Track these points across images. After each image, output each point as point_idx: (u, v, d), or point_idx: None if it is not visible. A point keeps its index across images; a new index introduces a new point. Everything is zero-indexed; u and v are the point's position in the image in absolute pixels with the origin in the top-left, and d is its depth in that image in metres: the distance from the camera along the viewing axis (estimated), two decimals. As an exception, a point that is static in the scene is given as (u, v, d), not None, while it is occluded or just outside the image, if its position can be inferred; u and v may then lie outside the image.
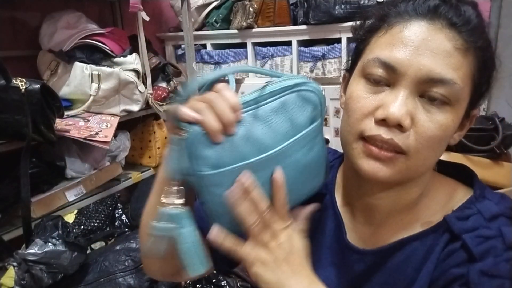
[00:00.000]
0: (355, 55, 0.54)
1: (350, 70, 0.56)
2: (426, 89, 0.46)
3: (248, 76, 2.07)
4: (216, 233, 0.48)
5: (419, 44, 0.45)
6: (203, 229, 0.50)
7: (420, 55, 0.45)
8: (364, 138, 0.48)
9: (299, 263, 0.49)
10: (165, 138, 1.83)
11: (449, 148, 1.13)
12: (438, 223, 0.51)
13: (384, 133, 0.46)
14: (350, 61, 0.57)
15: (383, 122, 0.46)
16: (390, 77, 0.47)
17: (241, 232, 0.50)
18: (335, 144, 0.59)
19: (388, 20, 0.49)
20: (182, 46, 2.10)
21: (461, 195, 0.54)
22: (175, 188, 0.46)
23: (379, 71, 0.47)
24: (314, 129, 0.50)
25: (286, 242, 0.48)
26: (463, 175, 0.57)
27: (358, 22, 0.56)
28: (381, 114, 0.46)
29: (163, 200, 0.46)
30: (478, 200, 0.51)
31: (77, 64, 1.43)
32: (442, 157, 0.54)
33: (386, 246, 0.54)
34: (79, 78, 1.43)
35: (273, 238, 0.48)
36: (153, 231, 0.46)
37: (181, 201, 0.47)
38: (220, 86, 0.45)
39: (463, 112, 0.49)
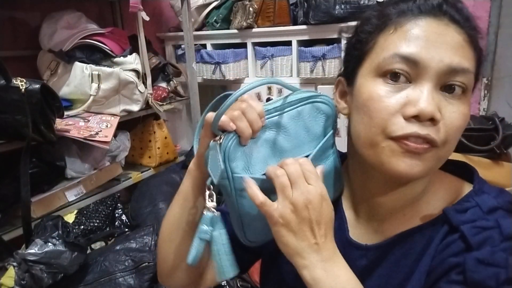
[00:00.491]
0: (359, 58, 0.53)
1: (349, 74, 0.55)
2: (447, 81, 0.47)
3: (248, 76, 2.07)
4: (247, 178, 0.48)
5: (435, 38, 0.46)
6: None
7: (438, 48, 0.46)
8: (393, 138, 0.47)
9: (324, 235, 0.48)
10: (165, 138, 1.83)
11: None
12: (438, 216, 0.52)
13: (419, 130, 0.46)
14: (347, 65, 0.56)
15: (414, 118, 0.46)
16: (412, 72, 0.47)
17: (270, 239, 0.50)
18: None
19: (394, 19, 0.49)
20: (182, 46, 2.10)
21: (463, 192, 0.54)
22: (211, 192, 0.50)
23: (399, 67, 0.47)
24: (329, 139, 0.55)
25: (316, 207, 0.47)
26: (464, 172, 0.58)
27: (355, 23, 0.56)
28: (411, 110, 0.46)
29: (208, 204, 0.50)
30: (477, 194, 0.52)
31: (77, 64, 1.43)
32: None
33: (388, 240, 0.55)
34: (79, 78, 1.43)
35: (302, 195, 0.47)
36: (200, 235, 0.49)
37: (215, 204, 0.51)
38: (247, 96, 0.49)
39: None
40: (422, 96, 0.46)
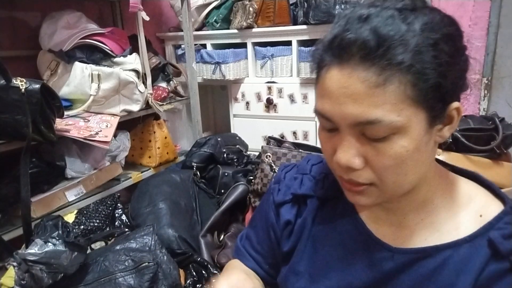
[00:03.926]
0: None
1: None
2: (362, 130, 0.46)
3: (248, 76, 2.07)
4: None
5: (338, 94, 0.45)
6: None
7: (342, 104, 0.45)
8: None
9: None
10: (165, 138, 1.83)
11: (449, 148, 1.13)
12: (474, 234, 0.51)
13: (344, 175, 0.50)
14: None
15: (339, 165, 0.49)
16: (332, 124, 0.49)
17: None
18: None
19: (318, 68, 0.50)
20: (182, 46, 2.10)
21: (476, 192, 0.54)
22: None
23: (322, 121, 0.50)
24: None
25: None
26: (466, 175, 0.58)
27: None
28: (334, 160, 0.50)
29: None
30: None
31: (77, 64, 1.43)
32: (441, 157, 0.54)
33: (418, 249, 0.53)
34: (79, 78, 1.43)
35: None
36: None
37: None
38: None
39: (423, 125, 0.46)
40: (341, 147, 0.48)
